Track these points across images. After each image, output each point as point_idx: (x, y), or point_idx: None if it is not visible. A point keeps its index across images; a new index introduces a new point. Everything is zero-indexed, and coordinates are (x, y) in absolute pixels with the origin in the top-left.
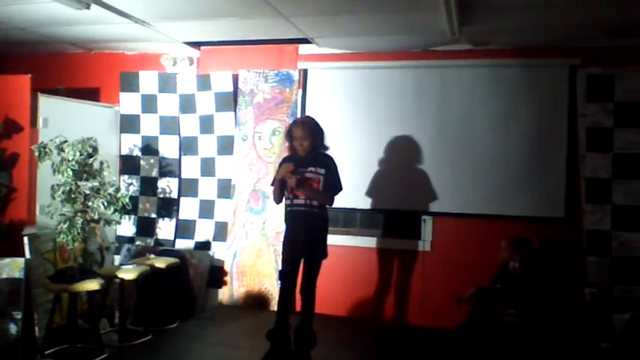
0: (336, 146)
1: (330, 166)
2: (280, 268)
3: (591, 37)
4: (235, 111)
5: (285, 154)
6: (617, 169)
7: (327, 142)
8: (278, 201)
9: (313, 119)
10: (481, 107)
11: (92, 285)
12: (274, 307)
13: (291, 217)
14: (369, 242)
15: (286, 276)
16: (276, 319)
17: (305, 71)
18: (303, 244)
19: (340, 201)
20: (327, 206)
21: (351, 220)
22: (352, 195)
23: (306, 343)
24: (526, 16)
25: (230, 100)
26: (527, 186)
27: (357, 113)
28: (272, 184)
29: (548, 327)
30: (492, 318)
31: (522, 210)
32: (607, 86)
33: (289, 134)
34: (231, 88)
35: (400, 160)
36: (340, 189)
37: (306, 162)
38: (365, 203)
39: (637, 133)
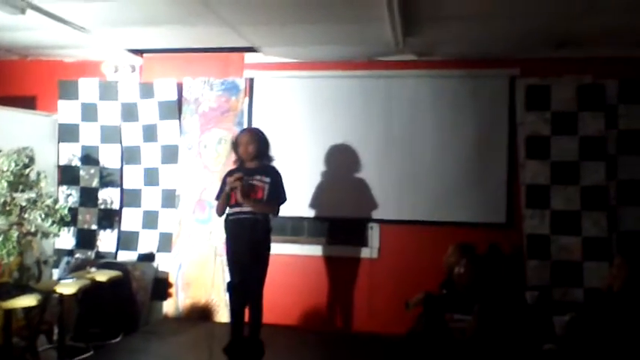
0: (283, 154)
1: (275, 176)
2: (228, 279)
3: (530, 48)
4: (180, 119)
5: (231, 163)
6: (555, 176)
7: (273, 153)
8: (220, 213)
9: (259, 129)
10: (425, 116)
11: (29, 301)
12: (221, 318)
13: (233, 225)
14: (317, 251)
15: (235, 287)
16: (230, 331)
17: (251, 80)
18: (248, 252)
19: (288, 209)
20: (272, 216)
21: (299, 229)
22: (299, 203)
23: (254, 353)
24: (468, 27)
25: (174, 109)
26: (470, 193)
27: (304, 122)
28: (216, 198)
29: (492, 331)
30: (439, 323)
31: (466, 216)
32: (544, 96)
33: (235, 143)
34: (175, 97)
35: (345, 168)
36: (284, 199)
37: (252, 172)
38: (312, 211)
39: (573, 140)
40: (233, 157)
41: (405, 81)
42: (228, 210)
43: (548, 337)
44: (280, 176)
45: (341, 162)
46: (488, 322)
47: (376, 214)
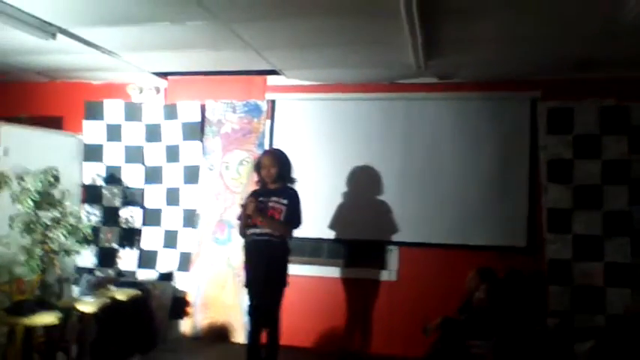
0: (304, 176)
1: (293, 199)
2: (247, 301)
3: (551, 70)
4: (202, 141)
5: (253, 184)
6: (577, 200)
7: (295, 174)
8: (242, 234)
9: (282, 150)
10: (446, 139)
11: (49, 318)
12: (238, 339)
13: (250, 246)
14: (336, 272)
15: (254, 310)
16: (247, 354)
17: (273, 102)
18: (263, 273)
19: (306, 231)
20: (286, 237)
21: (318, 250)
22: (318, 225)
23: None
24: (490, 50)
25: (197, 130)
26: (490, 216)
27: (324, 144)
28: (238, 218)
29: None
30: (458, 349)
31: (486, 240)
32: (566, 119)
33: (258, 164)
34: (198, 118)
35: (365, 190)
36: (299, 223)
37: (271, 192)
38: (331, 233)
39: (595, 164)
40: (255, 177)
41: (426, 103)
42: (247, 231)
43: None
44: (298, 200)
45: (361, 184)
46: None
47: (396, 237)
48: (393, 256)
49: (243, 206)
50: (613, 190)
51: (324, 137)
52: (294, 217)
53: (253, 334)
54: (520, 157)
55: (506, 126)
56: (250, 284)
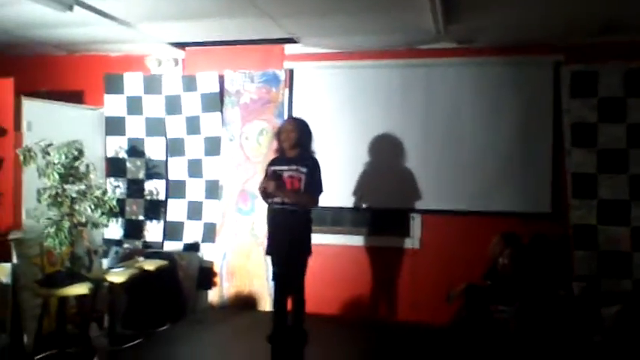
0: (324, 145)
1: (313, 166)
2: (272, 269)
3: (575, 33)
4: (222, 111)
5: (272, 153)
6: (602, 164)
7: (315, 146)
8: (266, 201)
9: (304, 120)
10: (467, 105)
11: (81, 289)
12: (264, 307)
13: (272, 216)
14: (359, 241)
15: (278, 277)
16: (273, 321)
17: (291, 71)
18: (286, 242)
19: (329, 200)
20: (310, 207)
21: (340, 219)
22: (340, 194)
23: (298, 341)
24: (510, 13)
25: (216, 101)
26: (514, 182)
27: (344, 112)
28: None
29: (539, 322)
30: (483, 314)
31: (510, 206)
32: (591, 82)
33: (279, 130)
34: (217, 89)
35: (387, 158)
36: (321, 191)
37: (290, 161)
38: (353, 202)
39: (620, 127)
40: (274, 147)
41: (446, 69)
42: (269, 200)
43: (596, 329)
44: (318, 167)
45: (382, 152)
46: (529, 318)
47: (418, 205)
48: (416, 224)
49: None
50: (639, 153)
51: (343, 105)
52: (314, 186)
53: (278, 301)
54: (543, 122)
55: (528, 90)
56: (273, 253)
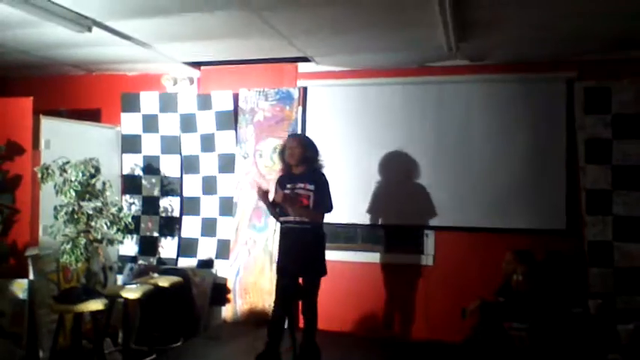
0: (337, 162)
1: (320, 183)
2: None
3: (587, 50)
4: (236, 129)
5: (280, 171)
6: (617, 180)
7: (322, 159)
8: (277, 219)
9: (307, 135)
10: (479, 122)
11: (96, 305)
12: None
13: (285, 233)
14: (372, 258)
15: (282, 293)
16: (267, 338)
17: (305, 89)
18: (297, 262)
19: (341, 217)
20: (317, 224)
21: (353, 236)
22: (354, 211)
23: (310, 358)
24: (523, 31)
25: (231, 119)
26: (528, 199)
27: (357, 129)
28: (263, 201)
29: (553, 339)
30: (497, 331)
31: (524, 223)
32: (604, 98)
33: (282, 148)
34: (231, 107)
35: (400, 175)
36: (330, 208)
37: (297, 178)
38: (366, 219)
39: (635, 144)
40: (281, 165)
41: (458, 86)
42: (281, 218)
43: (612, 347)
44: (326, 183)
45: (395, 169)
46: (543, 336)
47: (431, 221)
48: (429, 241)
49: (261, 193)
50: None
51: (356, 123)
52: (323, 202)
53: (277, 317)
54: (556, 138)
55: (541, 107)
56: (284, 269)
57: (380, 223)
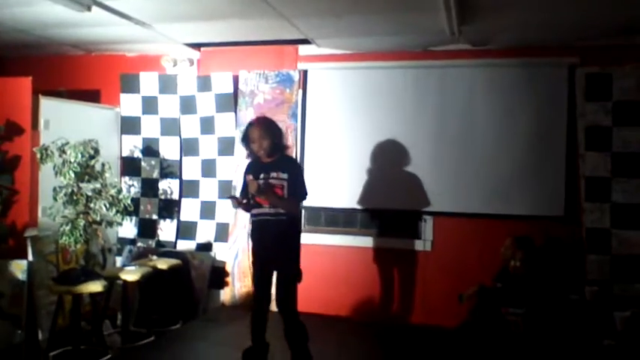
0: (336, 146)
1: (293, 169)
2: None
3: (590, 36)
4: (236, 112)
5: (245, 158)
6: (616, 168)
7: (285, 141)
8: (247, 211)
9: (268, 118)
10: (481, 107)
11: (95, 287)
12: (275, 307)
13: (256, 227)
14: (370, 242)
15: (257, 292)
16: (251, 338)
17: (305, 72)
18: (272, 257)
19: (341, 201)
20: (294, 213)
21: (352, 220)
22: (352, 195)
23: (298, 338)
24: (526, 15)
25: (230, 101)
26: (527, 185)
27: (357, 113)
28: (234, 207)
29: (549, 325)
30: (494, 316)
31: (522, 209)
32: (605, 85)
33: (245, 137)
34: (231, 89)
35: (399, 160)
36: (304, 194)
37: (269, 167)
38: (365, 203)
39: (635, 131)
40: (246, 152)
41: (460, 71)
42: (252, 210)
43: (608, 333)
44: (299, 169)
45: (395, 154)
46: (539, 321)
47: (430, 207)
48: (427, 226)
49: (237, 202)
50: None
51: (356, 106)
52: (298, 190)
53: (256, 315)
54: (557, 125)
55: (542, 93)
56: (256, 266)
57: (378, 207)
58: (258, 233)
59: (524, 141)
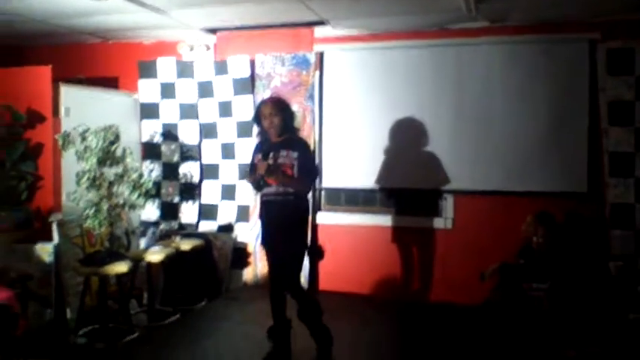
0: (354, 127)
1: (303, 149)
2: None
3: (610, 10)
4: (253, 95)
5: (255, 137)
6: (639, 143)
7: (296, 124)
8: (257, 190)
9: (282, 97)
10: (499, 84)
11: (121, 267)
12: None
13: (266, 207)
14: (390, 221)
15: (272, 272)
16: (272, 316)
17: (321, 54)
18: (280, 237)
19: (360, 180)
20: (304, 193)
21: (372, 199)
22: (372, 174)
23: (310, 316)
24: None
25: (248, 85)
26: (549, 161)
27: (374, 93)
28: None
29: (572, 300)
30: (517, 293)
31: (544, 186)
32: (627, 60)
33: (257, 116)
34: (248, 73)
35: (418, 139)
36: (316, 173)
37: (278, 146)
38: (385, 182)
39: None
40: (256, 131)
41: (478, 48)
42: (261, 191)
43: (633, 307)
44: (309, 149)
45: (413, 133)
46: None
47: (450, 185)
48: (448, 205)
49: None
50: None
51: (373, 87)
52: (309, 170)
53: (274, 296)
54: (579, 100)
55: (562, 69)
56: (267, 247)
57: (398, 186)
58: (266, 214)
59: (545, 117)
